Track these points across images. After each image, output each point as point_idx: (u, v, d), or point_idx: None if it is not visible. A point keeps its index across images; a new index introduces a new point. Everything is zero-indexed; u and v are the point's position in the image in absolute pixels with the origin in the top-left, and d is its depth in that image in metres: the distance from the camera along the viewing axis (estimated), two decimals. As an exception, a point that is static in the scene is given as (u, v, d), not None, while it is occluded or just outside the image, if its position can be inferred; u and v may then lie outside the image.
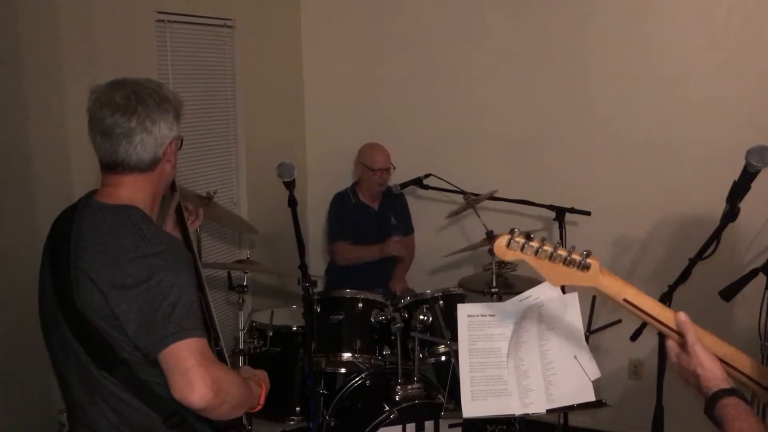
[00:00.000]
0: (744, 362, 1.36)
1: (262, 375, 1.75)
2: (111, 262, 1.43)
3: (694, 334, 1.31)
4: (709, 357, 1.30)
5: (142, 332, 1.41)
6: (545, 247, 1.32)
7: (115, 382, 1.48)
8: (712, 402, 1.27)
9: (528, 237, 1.33)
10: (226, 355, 1.82)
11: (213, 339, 1.74)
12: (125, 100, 1.50)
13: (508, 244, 1.33)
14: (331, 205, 3.80)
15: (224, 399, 1.42)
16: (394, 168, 3.71)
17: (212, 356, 1.44)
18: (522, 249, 1.33)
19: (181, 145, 1.65)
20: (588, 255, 1.32)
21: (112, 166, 1.54)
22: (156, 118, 1.52)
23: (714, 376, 1.29)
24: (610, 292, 1.34)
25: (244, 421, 1.69)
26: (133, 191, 1.54)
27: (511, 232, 1.33)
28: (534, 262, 1.34)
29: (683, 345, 1.33)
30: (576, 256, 1.32)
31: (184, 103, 1.62)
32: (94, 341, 1.46)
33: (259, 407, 1.64)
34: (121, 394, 1.49)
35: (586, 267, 1.32)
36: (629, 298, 1.33)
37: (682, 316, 1.32)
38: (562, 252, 1.32)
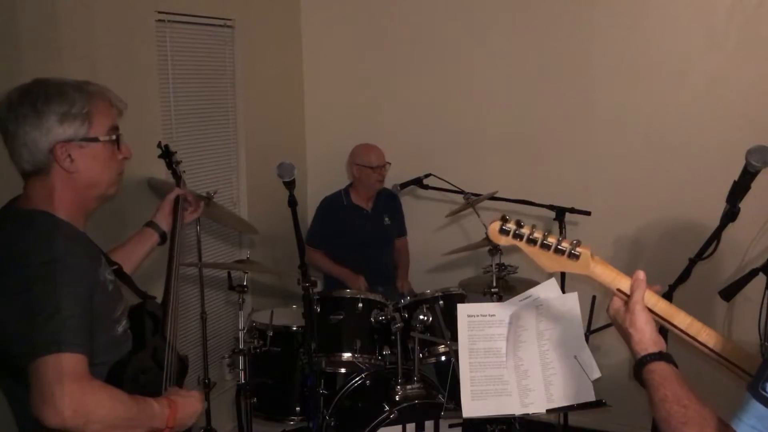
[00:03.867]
0: (704, 334, 1.33)
1: (184, 396, 1.62)
2: (2, 267, 1.40)
3: (641, 294, 1.30)
4: (644, 318, 1.29)
5: (17, 343, 1.38)
6: (535, 234, 1.35)
7: (19, 389, 1.42)
8: (639, 366, 1.26)
9: (519, 224, 1.35)
10: (169, 369, 1.70)
11: (152, 351, 1.67)
12: (7, 105, 1.49)
13: (500, 230, 1.36)
14: (317, 209, 3.81)
15: (88, 418, 1.35)
16: (390, 164, 3.72)
17: (81, 374, 1.37)
18: (513, 235, 1.36)
19: (116, 141, 1.58)
20: (578, 244, 1.34)
21: (19, 171, 1.55)
22: (27, 123, 1.48)
23: (643, 339, 1.28)
24: (603, 281, 1.35)
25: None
26: (42, 196, 1.52)
27: (503, 218, 1.36)
28: (527, 249, 1.36)
29: (626, 303, 1.33)
30: (565, 245, 1.34)
31: (81, 101, 1.53)
32: None
33: (168, 431, 1.53)
34: (12, 405, 1.48)
35: (575, 256, 1.33)
36: (622, 288, 1.34)
37: (641, 274, 1.32)
38: (551, 240, 1.34)
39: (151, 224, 2.05)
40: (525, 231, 1.35)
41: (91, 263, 1.51)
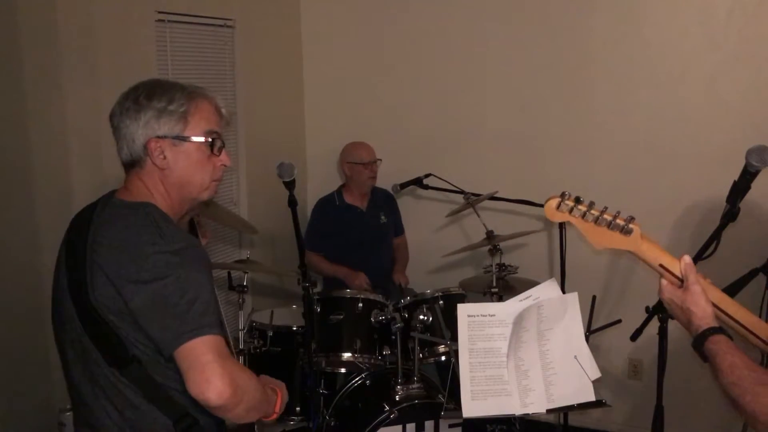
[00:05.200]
0: (740, 312, 1.45)
1: (280, 385, 1.71)
2: (127, 258, 1.42)
3: (695, 276, 1.41)
4: (705, 298, 1.40)
5: (158, 328, 1.40)
6: (593, 211, 1.42)
7: (123, 381, 1.46)
8: (701, 338, 1.37)
9: (578, 200, 1.42)
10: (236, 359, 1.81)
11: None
12: (119, 99, 1.55)
13: (558, 206, 1.42)
14: (312, 212, 3.81)
15: (241, 398, 1.40)
16: (380, 160, 3.72)
17: (229, 354, 1.43)
18: (570, 211, 1.42)
19: (212, 145, 1.58)
20: (631, 220, 1.42)
21: (123, 164, 1.58)
22: (129, 117, 1.53)
23: (705, 315, 1.39)
24: (647, 257, 1.43)
25: (255, 429, 1.66)
26: (143, 189, 1.54)
27: (562, 195, 1.42)
28: (580, 225, 1.43)
29: (681, 285, 1.43)
30: (620, 221, 1.41)
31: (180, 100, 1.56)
32: (105, 337, 1.45)
33: (275, 416, 1.61)
34: (129, 394, 1.47)
35: (628, 231, 1.41)
36: (665, 264, 1.43)
37: (688, 258, 1.43)
38: (607, 216, 1.42)
39: None
40: (582, 207, 1.42)
41: (206, 252, 1.55)
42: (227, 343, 1.55)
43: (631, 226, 1.41)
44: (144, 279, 1.40)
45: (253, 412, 1.48)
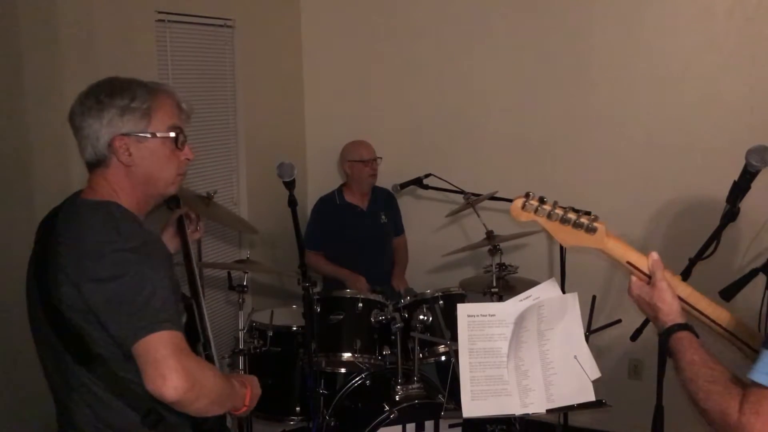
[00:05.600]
0: (710, 308, 1.46)
1: (250, 379, 1.72)
2: (86, 256, 1.44)
3: (662, 272, 1.44)
4: (671, 294, 1.43)
5: (116, 325, 1.41)
6: (557, 210, 1.44)
7: (92, 379, 1.48)
8: (666, 334, 1.40)
9: (542, 200, 1.44)
10: (216, 361, 1.80)
11: (203, 344, 1.73)
12: (78, 99, 1.56)
13: (523, 206, 1.45)
14: (312, 211, 3.81)
15: (200, 393, 1.40)
16: (381, 158, 3.72)
17: (187, 349, 1.43)
18: (536, 211, 1.44)
19: (177, 140, 1.60)
20: (595, 219, 1.44)
21: (85, 164, 1.60)
22: (91, 116, 1.53)
23: (672, 311, 1.41)
24: (614, 255, 1.45)
25: (228, 423, 1.66)
26: (108, 187, 1.56)
27: (527, 195, 1.45)
28: (546, 224, 1.46)
29: (649, 281, 1.46)
30: (584, 220, 1.43)
31: (137, 96, 1.56)
32: (71, 337, 1.47)
33: (245, 409, 1.62)
34: (99, 391, 1.49)
35: (593, 230, 1.43)
36: (632, 261, 1.45)
37: (655, 255, 1.46)
38: (571, 215, 1.44)
39: None
40: (546, 207, 1.44)
41: (167, 249, 1.57)
42: (199, 344, 1.59)
43: (595, 224, 1.43)
44: (102, 277, 1.41)
45: (215, 406, 1.48)
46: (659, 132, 3.45)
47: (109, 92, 1.54)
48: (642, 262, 1.46)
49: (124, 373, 1.47)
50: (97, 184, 1.57)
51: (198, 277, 1.95)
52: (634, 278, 1.48)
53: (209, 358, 1.74)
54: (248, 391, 1.63)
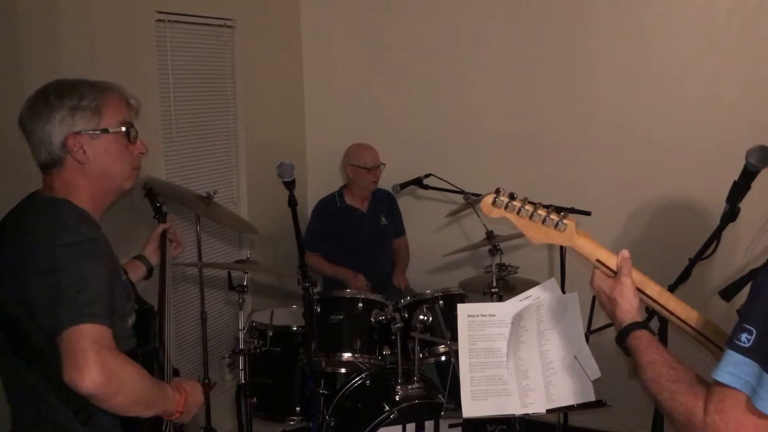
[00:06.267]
0: (679, 307, 1.44)
1: (192, 385, 1.70)
2: (30, 251, 1.46)
3: (629, 269, 1.42)
4: (633, 291, 1.41)
5: (46, 317, 1.43)
6: (527, 207, 1.44)
7: (31, 374, 1.50)
8: (624, 333, 1.38)
9: (512, 197, 1.45)
10: (168, 368, 1.77)
11: (154, 349, 1.71)
12: (27, 103, 1.59)
13: (493, 202, 1.44)
14: (312, 212, 3.80)
15: (118, 389, 1.40)
16: (384, 165, 3.71)
17: (111, 345, 1.43)
18: (506, 207, 1.44)
19: (129, 135, 1.62)
20: (564, 216, 1.44)
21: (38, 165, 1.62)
22: (41, 118, 1.56)
23: (630, 309, 1.40)
24: (584, 252, 1.46)
25: (165, 428, 1.65)
26: (62, 186, 1.58)
27: (497, 191, 1.44)
28: (516, 221, 1.46)
29: (615, 276, 1.44)
30: (554, 217, 1.44)
31: (89, 94, 1.59)
32: (10, 329, 1.49)
33: (178, 415, 1.60)
34: (37, 385, 1.50)
35: (562, 227, 1.43)
36: (601, 259, 1.45)
37: (626, 253, 1.44)
38: (541, 212, 1.44)
39: (140, 257, 2.10)
40: (516, 204, 1.44)
41: (111, 249, 1.58)
42: (157, 352, 1.61)
43: (565, 222, 1.44)
44: (41, 270, 1.43)
45: (137, 405, 1.48)
46: (659, 132, 3.45)
47: (58, 94, 1.57)
48: (611, 261, 1.45)
49: (59, 368, 1.45)
50: (53, 183, 1.59)
51: (168, 297, 1.95)
52: (597, 270, 1.47)
53: (160, 364, 1.72)
54: (182, 397, 1.62)
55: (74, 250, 1.45)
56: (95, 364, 1.36)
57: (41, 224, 1.50)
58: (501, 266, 3.09)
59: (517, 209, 1.44)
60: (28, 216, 1.55)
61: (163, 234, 2.14)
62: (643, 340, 1.35)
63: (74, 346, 1.37)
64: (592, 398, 1.77)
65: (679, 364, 1.28)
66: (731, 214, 2.14)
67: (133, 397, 1.46)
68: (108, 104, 1.60)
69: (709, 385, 1.16)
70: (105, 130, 1.59)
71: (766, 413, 1.05)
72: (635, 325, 1.38)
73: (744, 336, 1.10)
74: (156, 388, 1.54)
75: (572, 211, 3.15)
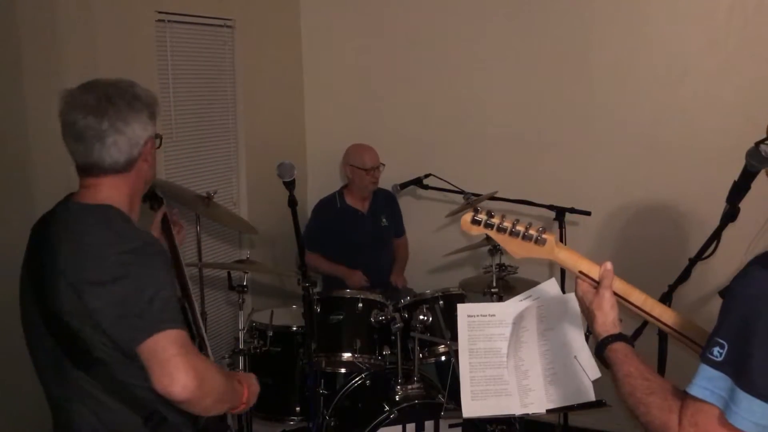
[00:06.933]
0: (666, 314, 1.46)
1: (248, 376, 1.71)
2: (86, 260, 1.43)
3: (609, 281, 1.43)
4: (611, 303, 1.42)
5: (118, 328, 1.40)
6: (505, 223, 1.47)
7: (92, 383, 1.47)
8: (601, 346, 1.39)
9: (489, 214, 1.47)
10: (212, 360, 1.80)
11: (198, 344, 1.73)
12: (96, 102, 1.50)
13: (472, 221, 1.47)
14: (312, 212, 3.80)
15: (207, 391, 1.40)
16: (384, 165, 3.71)
17: (193, 348, 1.43)
18: (484, 225, 1.47)
19: (160, 144, 1.65)
20: (543, 231, 1.46)
21: (87, 169, 1.54)
22: (128, 118, 1.51)
23: (606, 322, 1.41)
24: (566, 265, 1.48)
25: (229, 422, 1.67)
26: (110, 192, 1.54)
27: (475, 210, 1.48)
28: (496, 237, 1.49)
29: (596, 287, 1.45)
30: (532, 232, 1.46)
31: (159, 100, 1.61)
32: (69, 341, 1.45)
33: (243, 407, 1.61)
34: (99, 395, 1.48)
35: (541, 242, 1.46)
36: (584, 270, 1.46)
37: (609, 265, 1.44)
38: (519, 227, 1.47)
39: None
40: (495, 221, 1.47)
41: (163, 248, 1.57)
42: (194, 343, 1.57)
43: (544, 236, 1.45)
44: (103, 281, 1.40)
45: (220, 404, 1.49)
46: (659, 132, 3.45)
47: (135, 95, 1.53)
48: (594, 271, 1.45)
49: (124, 376, 1.46)
50: (96, 189, 1.55)
51: (188, 278, 1.95)
52: (579, 280, 1.49)
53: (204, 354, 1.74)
54: (244, 388, 1.62)
55: (134, 256, 1.43)
56: (187, 370, 1.35)
57: (94, 232, 1.46)
58: (501, 266, 3.09)
59: (495, 226, 1.47)
60: (78, 224, 1.50)
61: (164, 219, 2.10)
62: (619, 353, 1.35)
63: (161, 355, 1.36)
64: (592, 398, 1.77)
65: (654, 375, 1.28)
66: (731, 214, 2.14)
67: (218, 396, 1.46)
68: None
69: (683, 398, 1.16)
70: (158, 135, 1.59)
71: (738, 427, 1.06)
72: (612, 338, 1.38)
73: (716, 350, 1.10)
74: (231, 383, 1.54)
75: (572, 211, 3.16)
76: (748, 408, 1.05)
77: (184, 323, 1.48)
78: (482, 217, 1.47)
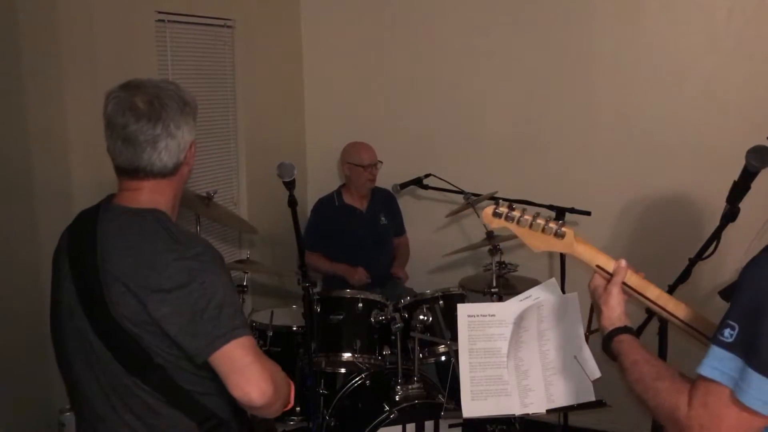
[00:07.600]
0: (679, 308, 1.48)
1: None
2: (146, 266, 1.39)
3: (620, 278, 1.46)
4: (617, 300, 1.45)
5: (189, 336, 1.37)
6: (525, 216, 1.49)
7: (146, 389, 1.43)
8: (608, 339, 1.42)
9: (511, 207, 1.50)
10: None
11: None
12: (148, 105, 1.44)
13: (494, 213, 1.50)
14: (311, 212, 3.80)
15: (280, 395, 1.42)
16: (381, 163, 3.71)
17: (261, 351, 1.43)
18: (505, 218, 1.49)
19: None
20: (563, 225, 1.48)
21: (131, 172, 1.48)
22: (179, 122, 1.48)
23: (611, 316, 1.44)
24: (584, 259, 1.49)
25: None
26: (154, 195, 1.49)
27: (496, 201, 1.50)
28: (516, 230, 1.50)
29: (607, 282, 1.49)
30: (552, 225, 1.48)
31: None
32: (126, 348, 1.41)
33: (290, 405, 1.59)
34: (150, 401, 1.45)
35: (561, 235, 1.47)
36: (601, 265, 1.48)
37: (623, 262, 1.47)
38: (540, 221, 1.48)
39: None
40: (516, 214, 1.49)
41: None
42: None
43: (563, 229, 1.48)
44: (167, 288, 1.37)
45: (283, 406, 1.49)
46: (659, 132, 3.45)
47: (180, 97, 1.49)
48: (610, 266, 1.48)
49: (183, 382, 1.44)
50: (140, 192, 1.49)
51: None
52: (596, 274, 1.51)
53: None
54: (292, 388, 1.60)
55: (197, 262, 1.40)
56: (265, 377, 1.36)
57: (152, 238, 1.42)
58: (501, 264, 3.09)
59: (516, 219, 1.49)
60: (131, 229, 1.45)
61: None
62: (624, 344, 1.38)
63: (240, 362, 1.35)
64: (592, 398, 1.78)
65: (660, 361, 1.31)
66: (731, 214, 2.14)
67: (284, 399, 1.47)
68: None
69: (692, 380, 1.18)
70: (194, 140, 1.56)
71: (749, 406, 1.07)
72: (617, 331, 1.41)
73: (727, 331, 1.12)
74: (289, 384, 1.54)
75: (572, 211, 3.16)
76: (758, 387, 1.07)
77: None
78: (503, 210, 1.49)
